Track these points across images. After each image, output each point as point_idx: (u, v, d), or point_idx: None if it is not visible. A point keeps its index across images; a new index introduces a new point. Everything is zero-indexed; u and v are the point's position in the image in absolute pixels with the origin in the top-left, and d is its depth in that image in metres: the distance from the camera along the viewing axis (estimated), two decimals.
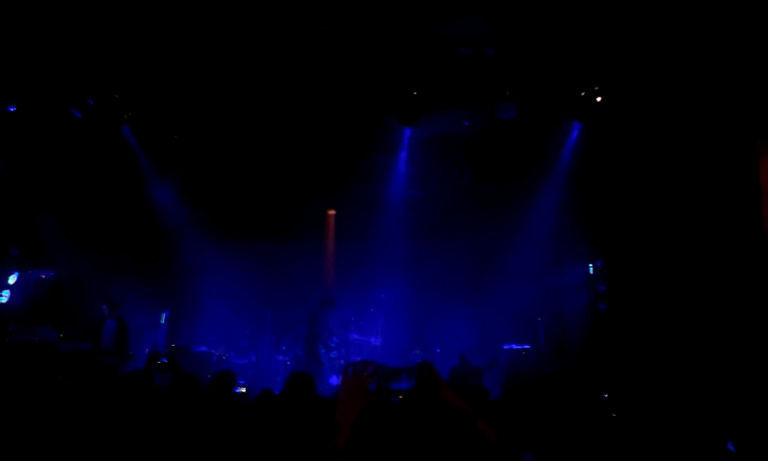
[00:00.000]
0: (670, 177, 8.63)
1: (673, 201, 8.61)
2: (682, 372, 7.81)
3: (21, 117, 9.32)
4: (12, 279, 10.32)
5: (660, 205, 8.75)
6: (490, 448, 1.39)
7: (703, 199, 8.36)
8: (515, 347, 10.20)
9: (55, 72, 8.58)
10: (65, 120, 9.51)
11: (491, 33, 7.86)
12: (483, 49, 8.15)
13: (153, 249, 11.60)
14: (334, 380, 10.07)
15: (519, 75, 8.70)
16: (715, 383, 6.90)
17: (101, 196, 11.08)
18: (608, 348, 9.27)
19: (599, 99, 8.54)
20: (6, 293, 10.22)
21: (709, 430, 3.59)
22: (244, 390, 7.82)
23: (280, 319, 11.52)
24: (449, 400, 1.55)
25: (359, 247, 12.16)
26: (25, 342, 8.96)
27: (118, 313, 9.39)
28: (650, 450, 3.57)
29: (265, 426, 2.57)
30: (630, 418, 4.73)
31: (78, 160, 10.63)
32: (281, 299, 11.73)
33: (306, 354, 10.05)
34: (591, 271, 10.12)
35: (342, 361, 10.85)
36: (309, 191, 11.72)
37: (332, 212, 12.82)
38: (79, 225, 10.89)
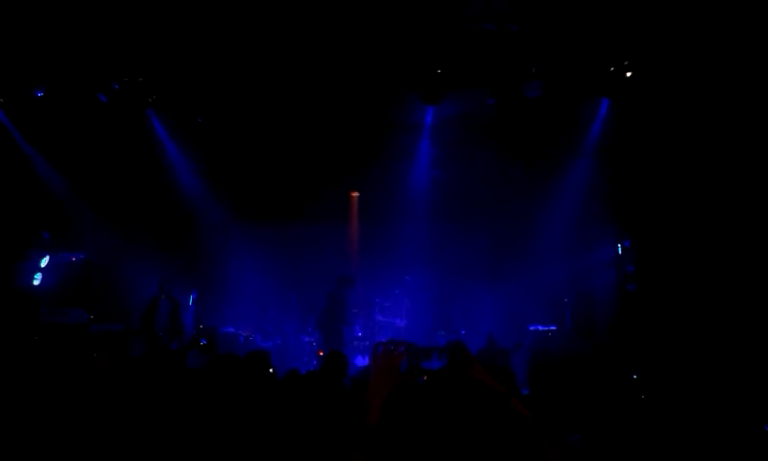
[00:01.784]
0: (703, 154, 8.37)
1: (706, 179, 8.37)
2: (713, 354, 7.65)
3: (50, 102, 9.45)
4: (43, 262, 10.55)
5: (693, 183, 8.52)
6: (524, 426, 1.35)
7: (737, 178, 8.11)
8: (541, 328, 10.13)
9: (81, 57, 8.66)
10: (93, 104, 9.61)
11: (515, 8, 7.68)
12: (508, 25, 7.98)
13: (180, 232, 11.73)
14: (359, 360, 10.12)
15: (545, 51, 8.50)
16: (749, 367, 6.74)
17: (128, 179, 11.22)
18: (637, 328, 9.13)
19: (629, 74, 8.29)
20: (38, 275, 10.45)
21: (744, 413, 3.50)
22: (271, 370, 7.90)
23: (306, 301, 11.57)
24: (482, 380, 1.51)
25: (383, 228, 12.13)
26: (57, 323, 9.18)
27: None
28: (680, 432, 3.50)
29: (297, 405, 2.58)
30: (659, 399, 4.66)
31: (105, 144, 10.76)
32: (306, 281, 11.79)
33: (326, 334, 9.97)
34: (620, 251, 9.93)
35: (367, 342, 10.90)
36: (333, 173, 11.69)
37: (355, 194, 12.79)
38: (108, 208, 11.06)
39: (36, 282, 10.40)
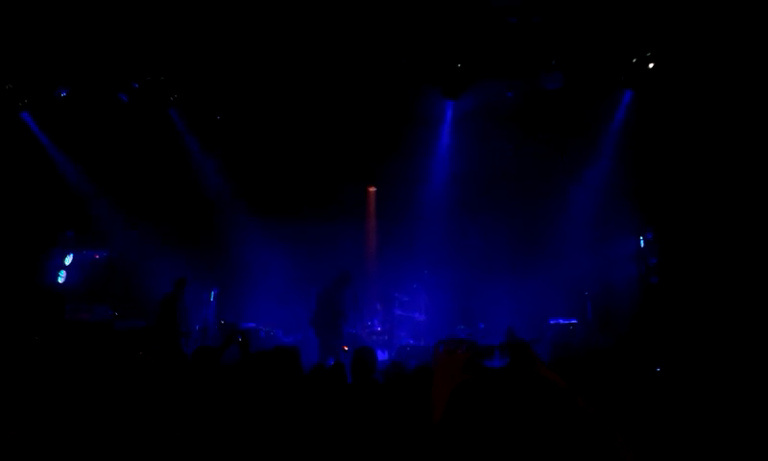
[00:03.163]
0: (728, 145, 8.26)
1: (730, 171, 8.26)
2: (740, 346, 7.57)
3: (73, 102, 9.56)
4: (68, 260, 10.71)
5: (717, 175, 8.41)
6: (591, 423, 1.34)
7: (763, 169, 7.99)
8: (562, 321, 10.08)
9: (104, 58, 8.75)
10: (115, 104, 9.72)
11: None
12: (529, 16, 7.92)
13: (201, 229, 11.82)
14: (380, 355, 10.14)
15: (566, 42, 8.43)
16: None
17: (150, 178, 11.33)
18: (660, 321, 9.05)
19: (651, 65, 8.19)
20: (63, 273, 10.61)
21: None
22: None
23: None
24: (546, 377, 1.51)
25: (402, 223, 12.13)
26: (83, 320, 9.32)
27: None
28: (702, 424, 3.49)
29: (340, 401, 2.61)
30: (682, 392, 4.62)
31: (127, 143, 10.88)
32: (325, 276, 11.81)
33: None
34: (642, 243, 9.84)
35: (386, 336, 10.92)
36: (351, 169, 11.70)
37: (373, 189, 12.78)
38: (130, 207, 11.19)
39: (60, 280, 10.57)
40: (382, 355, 10.32)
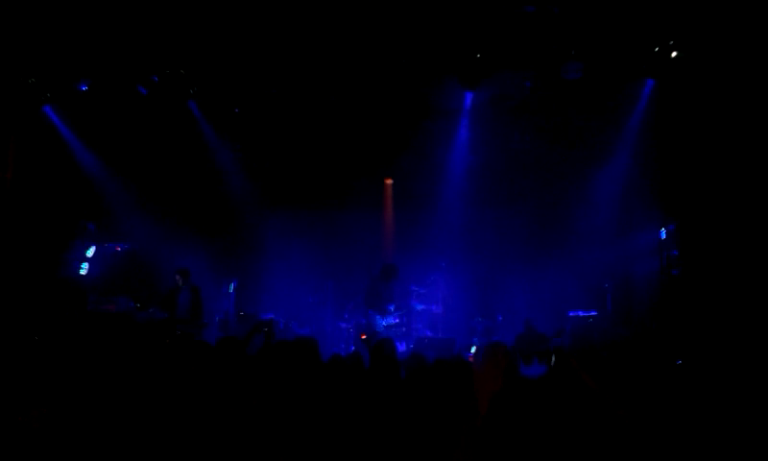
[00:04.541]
0: (753, 136, 8.09)
1: (756, 162, 8.09)
2: (762, 341, 7.46)
3: (94, 95, 9.68)
4: (89, 253, 10.86)
5: (743, 166, 8.25)
6: (626, 428, 1.33)
7: None
8: (581, 314, 10.01)
9: (125, 51, 8.83)
10: (135, 97, 9.82)
11: None
12: (548, 6, 7.83)
13: (221, 221, 11.94)
14: (398, 346, 10.17)
15: (586, 31, 8.32)
16: None
17: (170, 170, 11.47)
18: (682, 314, 8.94)
19: (674, 54, 8.05)
20: (85, 265, 10.77)
21: None
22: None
23: (341, 288, 11.66)
24: (588, 384, 1.50)
25: (418, 215, 12.10)
26: (105, 311, 9.45)
27: (192, 283, 9.71)
28: (726, 419, 3.44)
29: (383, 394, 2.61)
30: (704, 387, 4.57)
31: (147, 136, 11.01)
32: (343, 268, 11.86)
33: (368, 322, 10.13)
34: (664, 235, 9.70)
35: (404, 329, 10.92)
36: (369, 160, 11.68)
37: (389, 181, 12.76)
38: (151, 199, 11.34)
39: (82, 272, 10.73)
40: (400, 347, 10.35)
